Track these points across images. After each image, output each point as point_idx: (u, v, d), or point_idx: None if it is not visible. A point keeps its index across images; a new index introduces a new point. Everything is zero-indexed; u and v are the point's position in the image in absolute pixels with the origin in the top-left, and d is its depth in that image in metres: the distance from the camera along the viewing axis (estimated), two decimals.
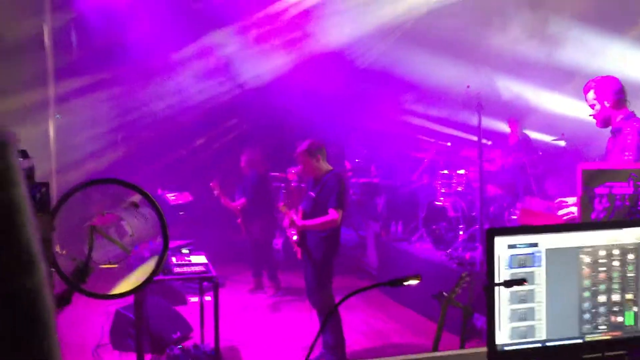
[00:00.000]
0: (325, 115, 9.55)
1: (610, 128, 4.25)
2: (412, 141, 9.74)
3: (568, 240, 1.89)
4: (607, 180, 2.60)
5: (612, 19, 7.35)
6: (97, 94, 9.00)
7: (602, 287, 1.92)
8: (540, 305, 1.88)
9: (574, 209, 3.45)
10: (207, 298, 5.68)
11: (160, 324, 5.81)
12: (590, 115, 4.31)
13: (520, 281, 1.81)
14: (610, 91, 4.20)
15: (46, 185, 1.74)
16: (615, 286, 1.93)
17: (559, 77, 7.85)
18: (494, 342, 1.85)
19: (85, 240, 1.94)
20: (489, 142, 8.35)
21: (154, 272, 2.01)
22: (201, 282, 5.47)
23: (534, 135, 8.32)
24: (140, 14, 8.45)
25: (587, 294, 1.91)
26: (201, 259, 5.27)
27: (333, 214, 5.22)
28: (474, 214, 7.32)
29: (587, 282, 1.90)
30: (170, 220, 2.03)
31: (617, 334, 1.94)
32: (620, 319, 1.93)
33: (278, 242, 8.87)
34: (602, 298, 1.92)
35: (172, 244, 5.64)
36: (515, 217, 6.88)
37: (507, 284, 1.81)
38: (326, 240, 5.34)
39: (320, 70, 9.47)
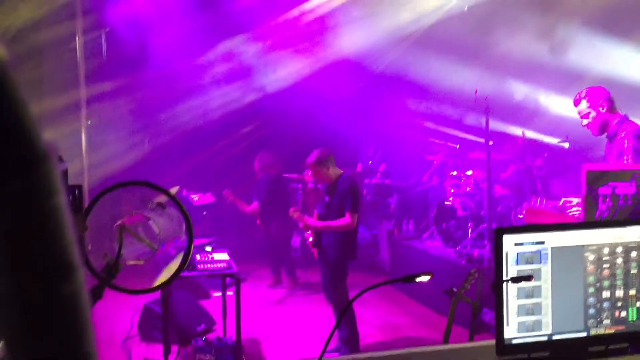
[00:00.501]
0: (340, 118, 9.54)
1: (606, 134, 4.21)
2: (423, 144, 9.70)
3: (573, 239, 1.88)
4: (611, 180, 2.57)
5: (619, 23, 7.27)
6: (125, 99, 9.09)
7: (606, 283, 1.90)
8: (546, 300, 1.87)
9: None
10: (229, 293, 5.71)
11: (186, 317, 5.85)
12: (584, 126, 4.26)
13: (527, 277, 1.80)
14: (602, 98, 4.17)
15: (79, 187, 1.76)
16: (619, 282, 1.91)
17: (565, 80, 7.77)
18: (502, 335, 1.84)
19: (115, 238, 1.96)
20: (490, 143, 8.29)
21: (180, 269, 2.03)
22: (224, 277, 5.50)
23: (539, 137, 8.24)
24: (166, 22, 8.52)
25: (591, 289, 1.89)
26: (223, 256, 5.30)
27: (347, 217, 5.23)
28: (482, 213, 7.29)
29: (591, 279, 1.89)
30: (194, 219, 2.05)
31: (621, 328, 1.92)
32: (623, 313, 1.92)
33: (296, 241, 8.89)
34: (606, 294, 1.91)
35: (196, 242, 5.67)
36: (521, 216, 6.82)
37: (515, 280, 1.81)
38: (341, 242, 5.34)
39: (335, 75, 9.47)
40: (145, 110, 9.59)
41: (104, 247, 1.97)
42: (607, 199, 2.54)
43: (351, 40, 9.11)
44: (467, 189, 7.71)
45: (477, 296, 3.66)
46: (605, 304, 1.91)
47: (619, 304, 1.92)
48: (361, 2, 8.75)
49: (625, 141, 3.97)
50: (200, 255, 5.22)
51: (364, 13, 8.81)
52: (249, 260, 8.48)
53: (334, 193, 5.38)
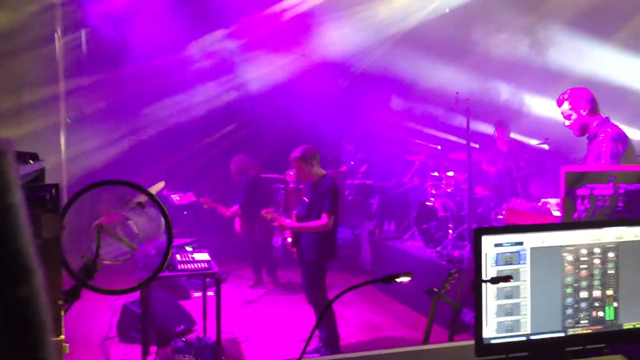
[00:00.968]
0: (322, 118, 9.53)
1: (587, 135, 4.27)
2: (405, 144, 9.74)
3: (551, 239, 1.89)
4: (589, 182, 2.60)
5: (600, 23, 7.35)
6: (104, 93, 9.00)
7: (584, 283, 1.92)
8: (525, 300, 1.88)
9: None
10: (210, 293, 5.68)
11: (165, 317, 5.80)
12: (566, 126, 4.33)
13: (506, 278, 1.81)
14: (584, 100, 4.23)
15: (56, 186, 1.73)
16: (596, 283, 1.93)
17: (547, 80, 7.84)
18: (482, 335, 1.85)
19: (93, 238, 1.93)
20: (477, 145, 8.35)
21: (159, 269, 2.01)
22: (204, 278, 5.47)
23: (519, 138, 8.31)
24: (145, 17, 8.44)
25: (569, 290, 1.91)
26: (204, 256, 5.27)
27: (324, 218, 5.22)
28: (462, 214, 7.33)
29: (569, 279, 1.91)
30: (175, 219, 2.03)
31: (598, 328, 1.94)
32: (601, 314, 1.94)
33: (277, 241, 8.87)
34: (583, 294, 1.93)
35: (177, 242, 5.63)
36: (501, 217, 6.88)
37: (494, 280, 1.82)
38: (319, 242, 5.32)
39: (317, 74, 9.45)
40: (124, 106, 9.49)
41: (82, 247, 1.94)
42: (586, 200, 2.57)
43: (333, 39, 9.10)
44: (448, 190, 7.76)
45: (457, 296, 3.68)
46: (583, 304, 1.93)
47: (597, 304, 1.94)
48: (343, 1, 8.75)
49: (603, 145, 4.03)
50: (180, 256, 5.19)
51: (345, 12, 8.81)
52: (231, 260, 8.44)
53: (315, 194, 5.37)
